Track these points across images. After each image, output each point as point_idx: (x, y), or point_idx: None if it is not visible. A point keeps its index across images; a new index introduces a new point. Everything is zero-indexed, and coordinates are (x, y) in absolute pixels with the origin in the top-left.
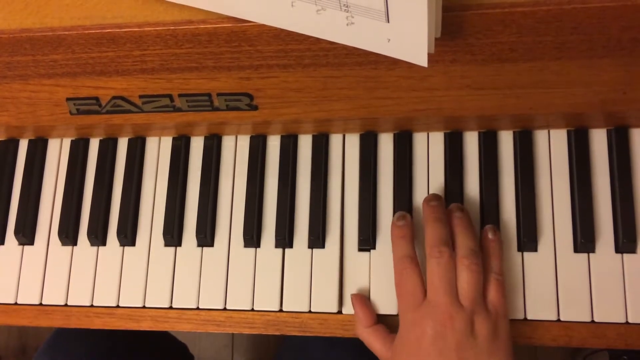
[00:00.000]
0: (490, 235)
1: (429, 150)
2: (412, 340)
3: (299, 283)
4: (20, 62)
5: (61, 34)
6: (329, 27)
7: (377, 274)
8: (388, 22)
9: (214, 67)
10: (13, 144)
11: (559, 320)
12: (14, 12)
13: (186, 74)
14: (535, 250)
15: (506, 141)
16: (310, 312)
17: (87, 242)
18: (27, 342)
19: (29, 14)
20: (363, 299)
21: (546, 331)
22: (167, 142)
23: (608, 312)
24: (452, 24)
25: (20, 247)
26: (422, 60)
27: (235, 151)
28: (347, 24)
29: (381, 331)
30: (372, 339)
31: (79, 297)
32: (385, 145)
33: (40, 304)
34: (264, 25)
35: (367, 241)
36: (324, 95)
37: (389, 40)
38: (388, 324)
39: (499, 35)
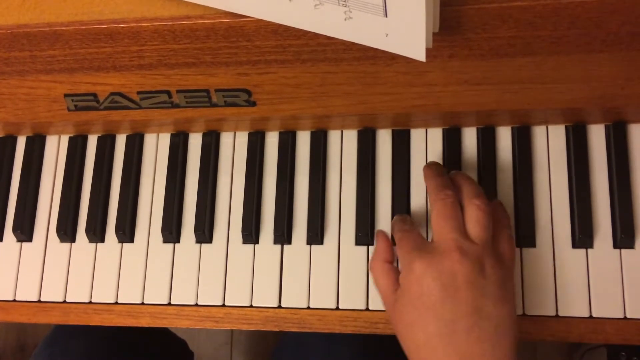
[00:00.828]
0: (498, 204)
1: (427, 146)
2: (414, 278)
3: (298, 279)
4: (17, 58)
5: (58, 29)
6: (326, 22)
7: None
8: (386, 16)
9: (212, 63)
10: (11, 140)
11: (557, 315)
12: (11, 8)
13: (184, 69)
14: (534, 245)
15: (504, 137)
16: (309, 308)
17: (86, 239)
18: (25, 340)
19: (26, 9)
20: (387, 235)
21: (544, 326)
22: (165, 139)
23: (606, 308)
24: (450, 18)
25: (19, 244)
26: (420, 55)
27: (233, 148)
28: (345, 19)
29: (393, 272)
30: (383, 275)
31: (78, 294)
32: (384, 141)
33: (39, 301)
34: (261, 21)
35: (365, 237)
36: (323, 91)
37: (387, 35)
38: (386, 319)
39: (497, 30)
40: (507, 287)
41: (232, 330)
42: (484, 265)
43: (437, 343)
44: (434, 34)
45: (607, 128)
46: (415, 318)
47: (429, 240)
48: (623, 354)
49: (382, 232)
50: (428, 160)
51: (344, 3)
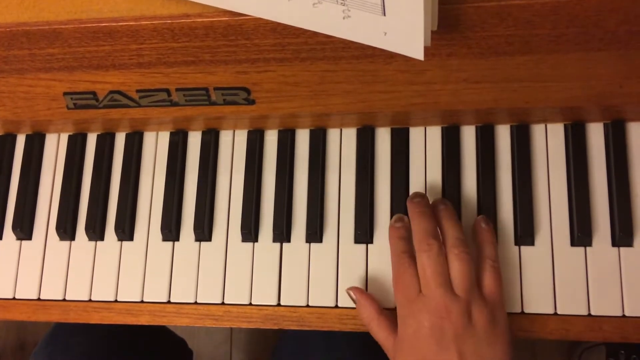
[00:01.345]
0: (483, 225)
1: (426, 144)
2: (410, 333)
3: (297, 277)
4: (16, 56)
5: (57, 27)
6: (325, 20)
7: (374, 268)
8: (384, 15)
9: (211, 61)
10: (10, 138)
11: (555, 313)
12: (10, 6)
13: (183, 68)
14: (533, 244)
15: (503, 135)
16: (308, 306)
17: (85, 237)
18: (25, 339)
19: (25, 8)
20: (361, 290)
21: (543, 324)
22: (164, 137)
23: (605, 306)
24: (449, 17)
25: (18, 242)
26: (418, 53)
27: (232, 146)
28: (344, 17)
29: (386, 321)
30: (380, 329)
31: (77, 292)
32: (383, 139)
33: (39, 299)
34: (260, 19)
35: (364, 235)
36: (321, 89)
37: (385, 33)
38: None
39: (495, 28)
40: (496, 324)
41: (231, 329)
42: (471, 313)
43: None
44: (432, 32)
45: (605, 126)
46: None
47: None
48: (622, 352)
49: (357, 291)
50: (427, 159)
51: (342, 2)
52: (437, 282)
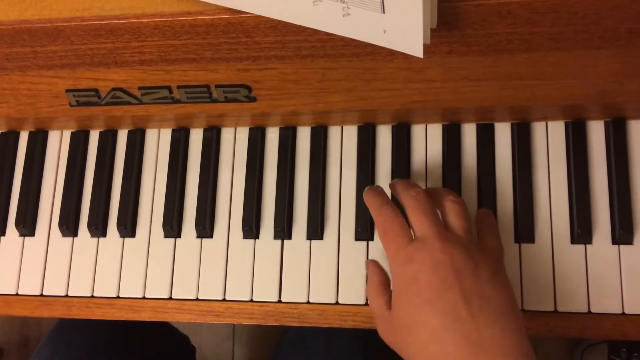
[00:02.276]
0: (484, 212)
1: (427, 142)
2: (408, 280)
3: (298, 274)
4: (19, 54)
5: (59, 25)
6: (325, 18)
7: None
8: (384, 12)
9: (212, 59)
10: (13, 135)
11: (555, 311)
12: (12, 4)
13: (184, 65)
14: (533, 241)
15: (504, 133)
16: (308, 302)
17: (88, 234)
18: (29, 334)
19: (27, 5)
20: (376, 262)
21: (543, 322)
22: (166, 134)
23: (605, 303)
24: (448, 15)
25: (21, 238)
26: (417, 51)
27: (234, 143)
28: (344, 15)
29: (387, 292)
30: (377, 297)
31: (80, 288)
32: (384, 137)
33: (41, 295)
34: (261, 17)
35: (365, 232)
36: (322, 87)
37: (385, 31)
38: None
39: (495, 26)
40: (500, 272)
41: (234, 325)
42: (471, 251)
43: (443, 335)
44: (432, 30)
45: (606, 124)
46: (417, 317)
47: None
48: (624, 350)
49: (373, 261)
50: (428, 156)
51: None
52: (430, 221)
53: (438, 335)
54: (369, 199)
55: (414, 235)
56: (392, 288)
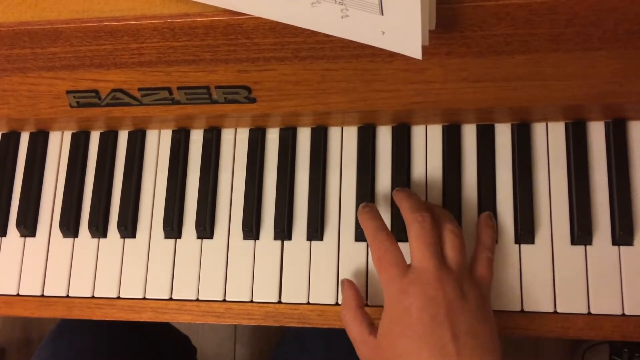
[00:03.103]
0: (487, 219)
1: (427, 143)
2: (401, 309)
3: (298, 275)
4: (19, 55)
5: (59, 27)
6: (323, 20)
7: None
8: (382, 14)
9: (212, 60)
10: (14, 136)
11: (555, 312)
12: (12, 6)
13: (184, 66)
14: (533, 242)
15: (504, 134)
16: (308, 303)
17: (88, 234)
18: (30, 335)
19: (27, 7)
20: (352, 283)
21: (543, 323)
22: (167, 135)
23: (605, 304)
24: (447, 16)
25: (22, 239)
26: (416, 52)
27: (234, 144)
28: (342, 17)
29: (364, 316)
30: (354, 321)
31: (81, 289)
32: (384, 138)
33: (42, 295)
34: (260, 18)
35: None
36: (322, 88)
37: (384, 32)
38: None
39: (494, 27)
40: (486, 307)
41: (235, 325)
42: (463, 288)
43: None
44: (431, 31)
45: (606, 125)
46: (407, 348)
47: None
48: (625, 350)
49: (348, 281)
50: (428, 157)
51: (340, 1)
52: (431, 253)
53: None
54: (364, 222)
55: (411, 260)
56: (383, 314)
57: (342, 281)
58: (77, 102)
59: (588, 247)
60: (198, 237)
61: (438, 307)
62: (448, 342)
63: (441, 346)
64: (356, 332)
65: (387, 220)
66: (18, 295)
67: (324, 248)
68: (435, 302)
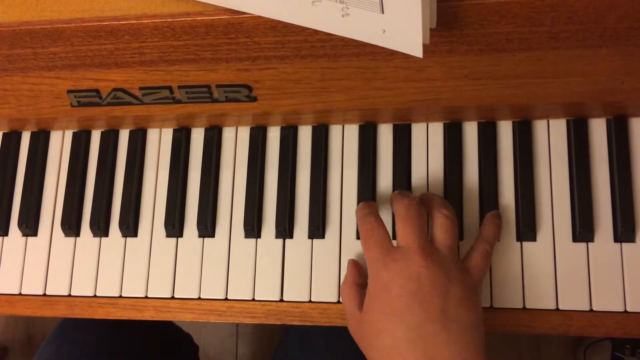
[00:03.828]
0: (494, 218)
1: (428, 140)
2: (381, 286)
3: (299, 273)
4: (20, 55)
5: (60, 26)
6: (324, 18)
7: None
8: (383, 13)
9: (212, 59)
10: (16, 136)
11: (557, 309)
12: (13, 6)
13: (185, 65)
14: (534, 239)
15: (505, 131)
16: (310, 301)
17: (90, 233)
18: (33, 333)
19: (27, 7)
20: (356, 262)
21: (545, 320)
22: (168, 134)
23: (606, 301)
24: (448, 14)
25: (24, 238)
26: (417, 51)
27: (235, 142)
28: (343, 15)
29: (360, 293)
30: (349, 297)
31: (82, 288)
32: (385, 136)
33: (44, 295)
34: (260, 17)
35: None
36: (323, 87)
37: (384, 31)
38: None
39: (495, 25)
40: (472, 296)
41: (237, 323)
42: (450, 269)
43: (405, 347)
44: (431, 29)
45: (608, 122)
46: (384, 325)
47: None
48: (627, 346)
49: (352, 260)
50: (429, 155)
51: (341, 0)
52: (416, 232)
53: (401, 346)
54: (357, 211)
55: (396, 240)
56: (367, 291)
57: (349, 261)
58: (78, 102)
59: (590, 244)
60: (199, 236)
61: (419, 284)
62: (425, 322)
63: (418, 325)
64: (347, 306)
65: (388, 218)
66: (20, 294)
67: (325, 246)
68: (417, 279)
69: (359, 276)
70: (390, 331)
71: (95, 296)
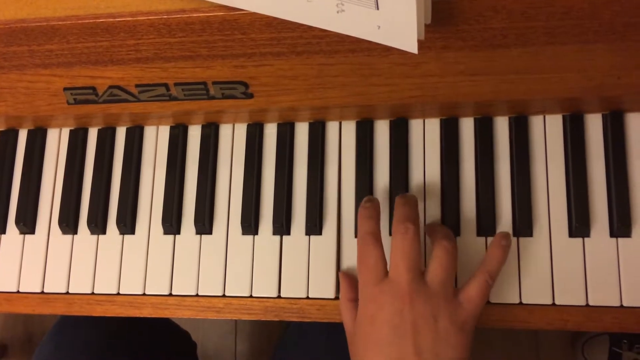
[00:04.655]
0: (502, 240)
1: (424, 136)
2: (367, 317)
3: (297, 269)
4: (16, 53)
5: (55, 24)
6: (319, 14)
7: None
8: (377, 9)
9: (208, 56)
10: (12, 134)
11: (554, 304)
12: (8, 3)
13: (181, 62)
14: (531, 235)
15: (502, 127)
16: (308, 298)
17: (87, 231)
18: (32, 331)
19: (23, 4)
20: (349, 274)
21: (542, 315)
22: (164, 131)
23: (603, 296)
24: (443, 10)
25: (22, 236)
26: (412, 46)
27: (232, 139)
28: (338, 12)
29: (353, 308)
30: (346, 312)
31: (80, 285)
32: (382, 132)
33: (42, 292)
34: (255, 14)
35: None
36: (319, 83)
37: (379, 27)
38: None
39: (490, 21)
40: (460, 333)
41: (235, 320)
42: (437, 306)
43: None
44: (427, 25)
45: (604, 117)
46: (366, 352)
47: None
48: (625, 341)
49: (342, 274)
50: (426, 151)
51: None
52: (406, 266)
53: None
54: (360, 220)
55: (389, 270)
56: (357, 313)
57: (340, 274)
58: (75, 99)
59: (586, 239)
60: (197, 233)
61: (402, 320)
62: (406, 356)
63: (399, 358)
64: (345, 320)
65: (386, 215)
66: (18, 292)
67: (322, 242)
68: (400, 315)
69: (350, 291)
70: (372, 358)
71: (93, 293)
